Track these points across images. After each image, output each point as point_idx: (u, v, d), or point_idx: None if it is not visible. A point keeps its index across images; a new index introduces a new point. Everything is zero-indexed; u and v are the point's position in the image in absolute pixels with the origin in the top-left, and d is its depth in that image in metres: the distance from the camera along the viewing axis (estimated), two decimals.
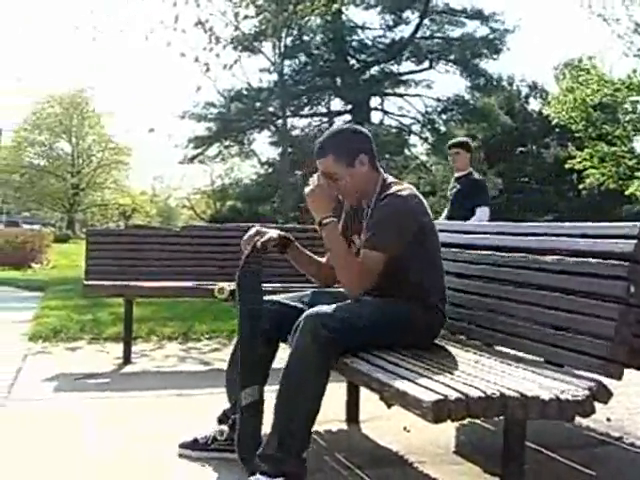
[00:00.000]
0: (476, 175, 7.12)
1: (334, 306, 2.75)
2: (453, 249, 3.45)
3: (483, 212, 6.65)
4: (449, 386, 2.19)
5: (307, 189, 2.96)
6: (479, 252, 3.28)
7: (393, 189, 2.94)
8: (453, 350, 2.95)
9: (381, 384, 2.35)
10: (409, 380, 2.29)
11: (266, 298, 3.05)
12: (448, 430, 3.46)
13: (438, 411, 2.05)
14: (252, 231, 3.05)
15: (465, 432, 3.54)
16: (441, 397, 2.08)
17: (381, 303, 2.90)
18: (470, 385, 2.21)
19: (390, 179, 3.06)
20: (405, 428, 3.54)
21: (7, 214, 67.35)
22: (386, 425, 3.59)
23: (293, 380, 2.61)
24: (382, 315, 2.82)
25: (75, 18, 49.02)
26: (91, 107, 53.63)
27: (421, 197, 2.98)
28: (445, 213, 7.16)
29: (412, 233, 2.88)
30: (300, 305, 3.04)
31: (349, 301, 2.88)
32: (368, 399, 3.55)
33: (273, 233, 3.04)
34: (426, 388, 2.18)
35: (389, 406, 2.56)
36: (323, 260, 3.23)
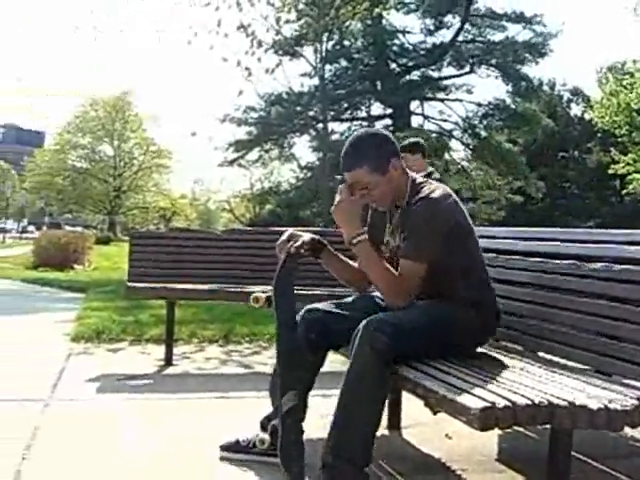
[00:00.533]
0: (437, 175, 6.94)
1: (388, 313, 2.73)
2: (498, 255, 3.41)
3: None
4: (496, 393, 2.16)
5: (333, 206, 2.90)
6: (524, 258, 3.24)
7: (425, 191, 2.86)
8: (499, 357, 2.91)
9: (427, 390, 2.33)
10: (455, 387, 2.27)
11: (309, 307, 3.03)
12: (491, 437, 3.43)
13: (485, 419, 2.03)
14: (285, 235, 3.00)
15: (508, 440, 3.49)
16: (488, 404, 2.06)
17: (426, 306, 2.87)
18: (517, 393, 2.18)
19: (419, 179, 2.98)
20: (447, 435, 3.51)
21: (50, 216, 68.41)
22: (428, 432, 3.57)
23: (352, 389, 2.58)
24: (428, 317, 2.78)
25: (77, 18, 49.23)
26: (133, 111, 54.23)
27: (455, 196, 2.91)
28: None
29: (448, 234, 2.80)
30: (343, 312, 3.01)
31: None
32: (409, 405, 3.54)
33: (306, 237, 2.99)
34: (473, 395, 2.16)
35: (435, 413, 2.54)
36: (357, 265, 3.14)
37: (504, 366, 2.72)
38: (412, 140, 7.06)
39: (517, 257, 3.29)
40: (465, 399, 2.14)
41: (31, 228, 70.43)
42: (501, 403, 2.07)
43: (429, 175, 6.72)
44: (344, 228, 2.86)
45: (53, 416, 3.82)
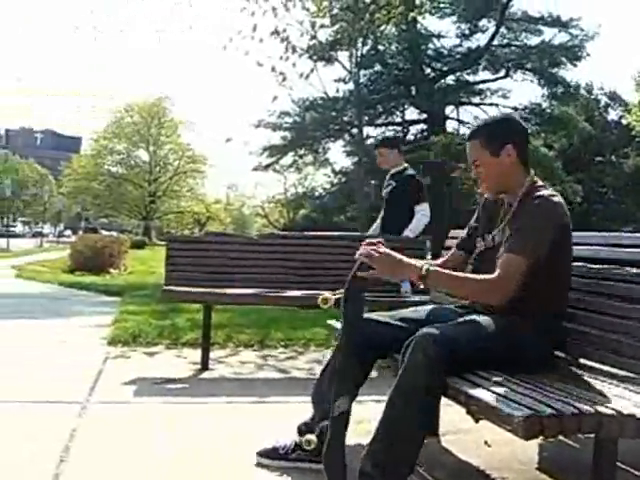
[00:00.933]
0: (411, 171, 6.54)
1: (447, 325, 2.63)
2: None
3: (423, 209, 6.23)
4: (541, 401, 2.11)
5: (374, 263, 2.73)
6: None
7: (545, 192, 2.78)
8: (553, 366, 2.80)
9: (469, 398, 2.28)
10: (499, 394, 2.22)
11: (364, 316, 2.95)
12: (531, 446, 3.36)
13: (530, 427, 1.98)
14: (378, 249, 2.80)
15: (548, 448, 3.43)
16: (533, 413, 2.01)
17: (495, 320, 2.72)
18: (562, 401, 2.13)
19: (540, 182, 2.91)
20: (486, 442, 3.47)
21: (86, 220, 69.29)
22: (466, 439, 3.52)
23: (401, 397, 2.49)
24: (494, 335, 2.65)
25: (77, 18, 49.39)
26: (168, 116, 54.67)
27: (566, 208, 2.82)
28: (381, 214, 6.65)
29: (556, 238, 2.72)
30: (397, 322, 2.94)
31: (460, 319, 2.78)
32: (447, 412, 3.49)
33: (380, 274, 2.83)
34: (517, 403, 2.11)
35: (477, 420, 2.49)
36: (439, 262, 3.15)
37: (549, 373, 2.64)
38: (388, 135, 6.72)
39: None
40: (509, 407, 2.09)
41: (68, 232, 71.36)
42: (546, 411, 2.02)
43: (404, 170, 6.45)
44: (401, 275, 2.82)
45: (90, 419, 3.83)
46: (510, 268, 2.66)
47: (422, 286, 2.76)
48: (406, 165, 6.54)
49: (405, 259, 2.72)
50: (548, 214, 2.73)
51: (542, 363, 2.74)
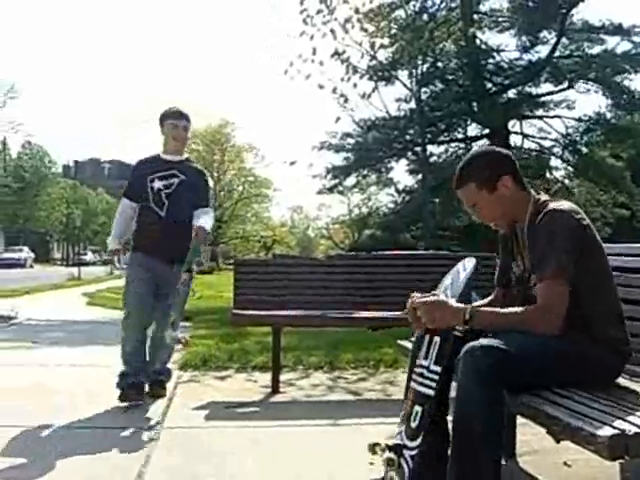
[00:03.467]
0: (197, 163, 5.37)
1: (497, 339, 2.48)
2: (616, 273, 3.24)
3: (210, 218, 4.95)
4: (625, 420, 2.04)
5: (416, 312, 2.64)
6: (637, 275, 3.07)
7: (551, 206, 2.69)
8: (622, 381, 2.72)
9: (550, 418, 2.19)
10: (580, 414, 2.14)
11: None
12: (612, 466, 3.25)
13: (615, 447, 1.91)
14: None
15: (630, 468, 3.31)
16: (618, 432, 1.94)
17: (547, 337, 2.57)
18: None
19: (544, 197, 2.83)
20: (565, 463, 3.37)
21: None
22: (544, 460, 3.45)
23: (461, 422, 2.36)
24: (548, 349, 2.52)
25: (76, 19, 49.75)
26: (231, 142, 55.35)
27: (583, 213, 2.71)
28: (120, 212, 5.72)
29: (580, 250, 2.60)
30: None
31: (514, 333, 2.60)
32: (523, 432, 3.43)
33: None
34: (600, 422, 2.03)
35: (557, 441, 2.41)
36: (491, 298, 3.06)
37: (628, 390, 2.57)
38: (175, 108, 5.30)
39: (633, 274, 3.12)
40: (592, 426, 2.01)
41: None
42: (632, 430, 1.95)
43: (188, 160, 5.19)
44: (447, 323, 2.61)
45: (164, 443, 3.85)
46: (550, 297, 2.56)
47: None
48: (188, 155, 5.38)
49: (451, 307, 2.60)
50: (559, 225, 2.62)
51: (609, 378, 2.65)
